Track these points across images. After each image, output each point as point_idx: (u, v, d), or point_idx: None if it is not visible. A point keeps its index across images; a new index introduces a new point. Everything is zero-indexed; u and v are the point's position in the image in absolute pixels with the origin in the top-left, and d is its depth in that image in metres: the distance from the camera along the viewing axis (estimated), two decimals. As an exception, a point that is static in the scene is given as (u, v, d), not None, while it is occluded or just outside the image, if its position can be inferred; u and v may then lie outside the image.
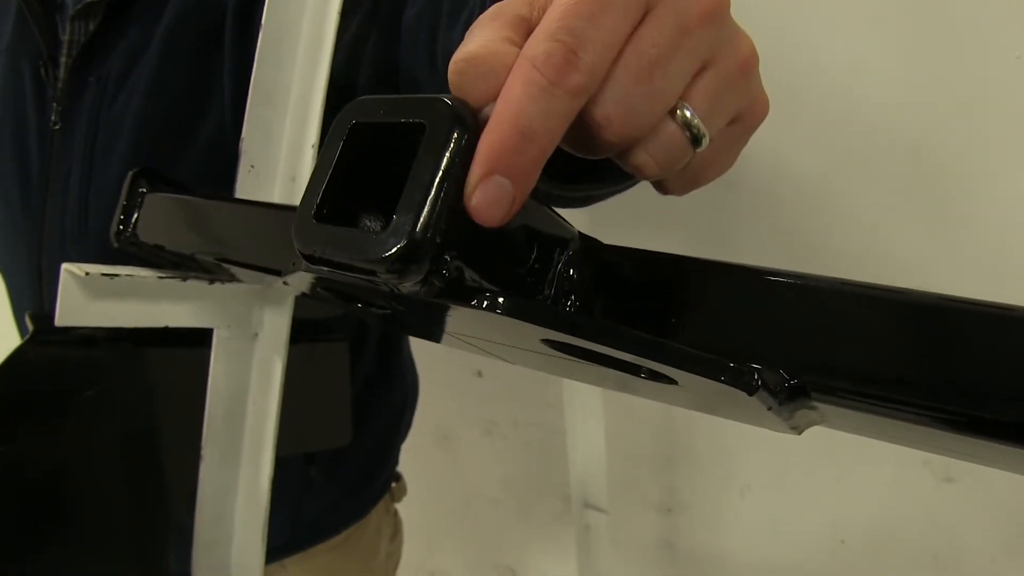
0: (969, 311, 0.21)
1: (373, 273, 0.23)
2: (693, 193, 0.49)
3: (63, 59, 0.66)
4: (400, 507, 0.90)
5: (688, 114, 0.26)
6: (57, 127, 0.66)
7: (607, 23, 0.23)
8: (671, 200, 0.49)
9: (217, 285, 0.48)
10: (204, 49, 0.63)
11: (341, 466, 0.75)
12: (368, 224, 0.25)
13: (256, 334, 0.52)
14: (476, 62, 0.24)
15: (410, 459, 0.92)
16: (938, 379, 0.21)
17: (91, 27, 0.65)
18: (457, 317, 0.27)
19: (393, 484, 0.87)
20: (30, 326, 0.56)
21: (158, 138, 0.63)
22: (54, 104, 0.66)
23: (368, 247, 0.22)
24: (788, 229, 0.87)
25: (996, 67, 0.73)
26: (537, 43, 0.23)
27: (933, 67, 0.76)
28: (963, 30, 0.74)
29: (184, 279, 0.47)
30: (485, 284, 0.24)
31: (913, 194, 0.80)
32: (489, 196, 0.23)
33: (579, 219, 0.54)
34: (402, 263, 0.22)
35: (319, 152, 0.25)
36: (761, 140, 0.34)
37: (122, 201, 0.49)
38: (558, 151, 0.26)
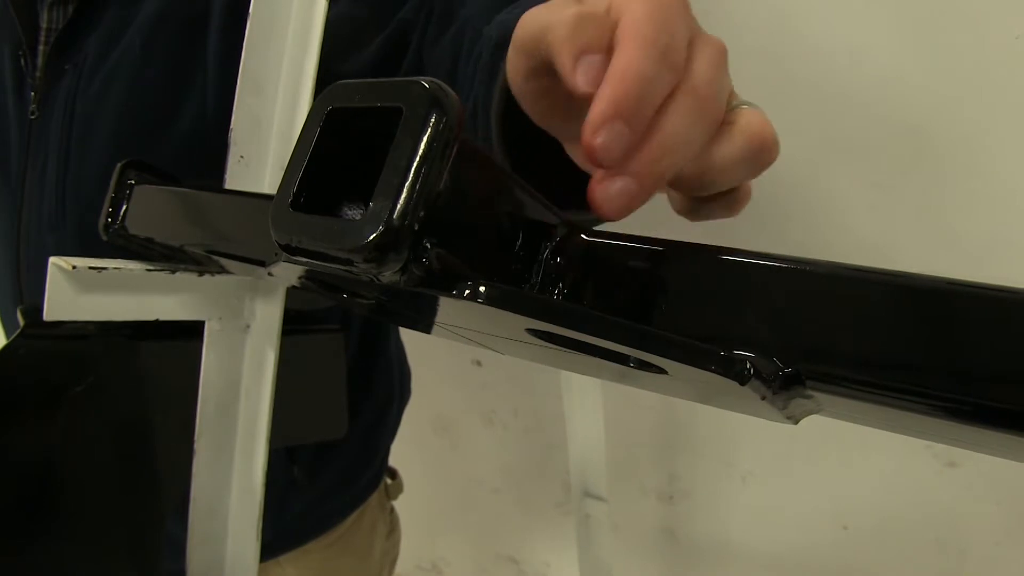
0: (968, 294, 0.20)
1: (350, 262, 0.22)
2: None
3: (41, 47, 0.65)
4: (401, 496, 0.89)
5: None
6: (35, 116, 0.66)
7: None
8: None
9: (207, 277, 0.48)
10: (188, 36, 0.62)
11: (324, 464, 0.75)
12: (348, 212, 0.24)
13: (248, 326, 0.51)
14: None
15: (410, 449, 0.91)
16: (938, 365, 0.20)
17: (69, 13, 0.64)
18: (443, 307, 0.26)
19: (389, 481, 0.86)
20: (20, 320, 0.56)
21: (138, 126, 0.63)
22: (32, 93, 0.66)
23: (344, 235, 0.22)
24: (782, 214, 0.86)
25: (995, 49, 0.72)
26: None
27: (930, 50, 0.75)
28: (961, 11, 0.73)
29: (173, 271, 0.47)
30: (467, 272, 0.24)
31: (909, 178, 0.79)
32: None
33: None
34: (379, 251, 0.21)
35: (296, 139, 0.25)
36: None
37: (110, 193, 0.48)
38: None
